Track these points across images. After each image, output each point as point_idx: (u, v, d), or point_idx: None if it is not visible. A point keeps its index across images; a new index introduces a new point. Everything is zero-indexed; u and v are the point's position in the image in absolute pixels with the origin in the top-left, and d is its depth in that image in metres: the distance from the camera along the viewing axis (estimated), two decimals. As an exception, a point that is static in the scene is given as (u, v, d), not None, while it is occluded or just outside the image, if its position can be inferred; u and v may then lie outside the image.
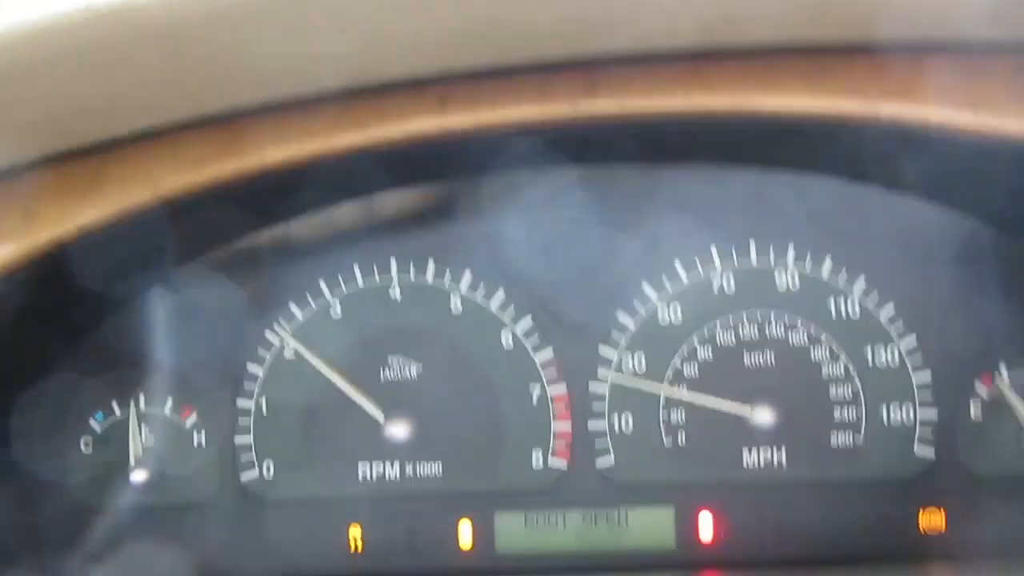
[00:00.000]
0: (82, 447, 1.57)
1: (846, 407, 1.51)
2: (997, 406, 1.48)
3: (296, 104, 1.14)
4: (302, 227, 1.57)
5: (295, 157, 1.14)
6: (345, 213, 1.57)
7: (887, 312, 1.52)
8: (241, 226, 1.41)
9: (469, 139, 1.17)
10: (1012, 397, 1.46)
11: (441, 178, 1.49)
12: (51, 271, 1.19)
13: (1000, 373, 1.49)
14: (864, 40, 1.05)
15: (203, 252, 1.46)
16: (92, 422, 1.57)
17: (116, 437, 1.56)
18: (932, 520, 1.48)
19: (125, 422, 1.56)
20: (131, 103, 1.09)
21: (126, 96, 1.07)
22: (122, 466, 1.54)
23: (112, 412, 1.57)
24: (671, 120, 1.16)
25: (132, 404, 1.56)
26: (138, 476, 1.54)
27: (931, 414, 1.49)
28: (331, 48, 1.05)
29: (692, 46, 1.07)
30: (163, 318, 1.54)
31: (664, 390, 1.53)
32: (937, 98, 1.08)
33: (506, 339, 1.57)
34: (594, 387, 1.55)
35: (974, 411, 1.49)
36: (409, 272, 1.57)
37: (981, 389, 1.49)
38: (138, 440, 1.55)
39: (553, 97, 1.13)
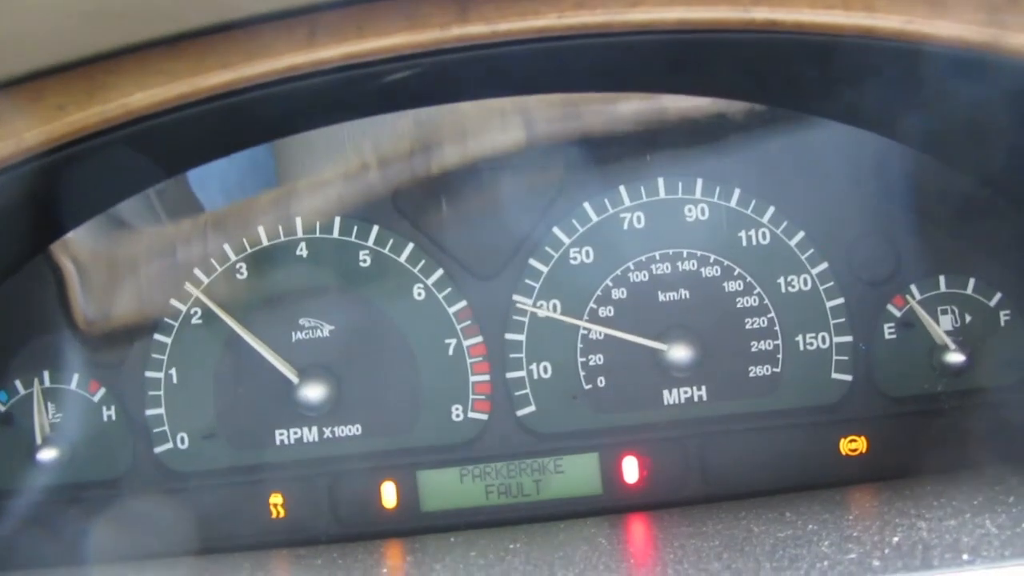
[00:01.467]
0: (-14, 428, 1.52)
1: (762, 337, 1.50)
2: (910, 326, 1.48)
3: (161, 45, 1.10)
4: (202, 187, 1.53)
5: (161, 100, 1.10)
6: (247, 171, 1.54)
7: (798, 240, 1.50)
8: (131, 182, 1.36)
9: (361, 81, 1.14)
10: (924, 316, 1.45)
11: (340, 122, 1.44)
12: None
13: (912, 293, 1.48)
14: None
15: (94, 212, 1.41)
16: (-5, 402, 1.53)
17: (21, 416, 1.51)
18: (852, 444, 1.47)
19: (30, 400, 1.51)
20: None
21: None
22: (29, 445, 1.50)
23: (15, 390, 1.52)
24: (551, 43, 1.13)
25: (36, 381, 1.52)
26: (46, 455, 1.49)
27: (846, 338, 1.49)
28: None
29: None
30: (62, 289, 1.49)
31: (582, 325, 1.51)
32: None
33: (418, 292, 1.54)
34: (510, 336, 1.53)
35: (888, 333, 1.49)
36: (315, 229, 1.54)
37: (893, 310, 1.49)
38: (44, 418, 1.51)
39: (424, 23, 1.09)
